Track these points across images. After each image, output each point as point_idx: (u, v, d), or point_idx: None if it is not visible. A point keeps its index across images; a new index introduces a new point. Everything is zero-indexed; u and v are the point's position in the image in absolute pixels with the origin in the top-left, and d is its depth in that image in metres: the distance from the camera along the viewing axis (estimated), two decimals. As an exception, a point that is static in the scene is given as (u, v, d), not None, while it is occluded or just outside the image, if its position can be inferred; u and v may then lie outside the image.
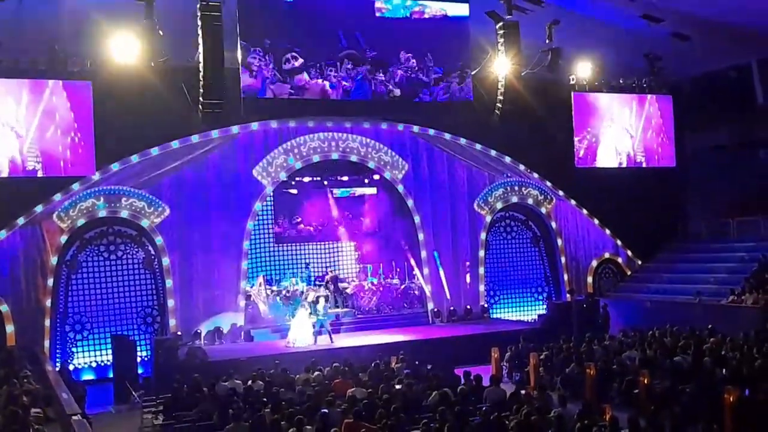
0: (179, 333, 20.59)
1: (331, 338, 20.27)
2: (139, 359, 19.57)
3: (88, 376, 20.43)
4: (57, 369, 18.38)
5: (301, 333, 20.05)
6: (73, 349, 20.81)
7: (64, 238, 20.35)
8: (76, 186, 20.45)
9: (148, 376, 18.95)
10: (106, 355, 20.42)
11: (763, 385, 12.05)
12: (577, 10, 23.67)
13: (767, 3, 21.43)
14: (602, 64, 26.08)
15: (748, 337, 16.40)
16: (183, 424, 12.59)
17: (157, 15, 19.88)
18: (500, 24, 23.51)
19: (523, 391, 12.86)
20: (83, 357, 20.87)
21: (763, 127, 25.96)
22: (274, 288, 23.05)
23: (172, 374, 16.53)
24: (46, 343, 19.88)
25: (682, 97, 27.69)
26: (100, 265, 21.39)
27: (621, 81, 27.23)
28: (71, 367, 19.89)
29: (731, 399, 11.25)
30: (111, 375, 19.27)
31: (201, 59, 19.98)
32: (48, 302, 20.05)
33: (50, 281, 20.12)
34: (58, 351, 20.45)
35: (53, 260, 20.17)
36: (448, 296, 24.23)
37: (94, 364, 20.83)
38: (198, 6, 20.11)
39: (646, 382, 13.23)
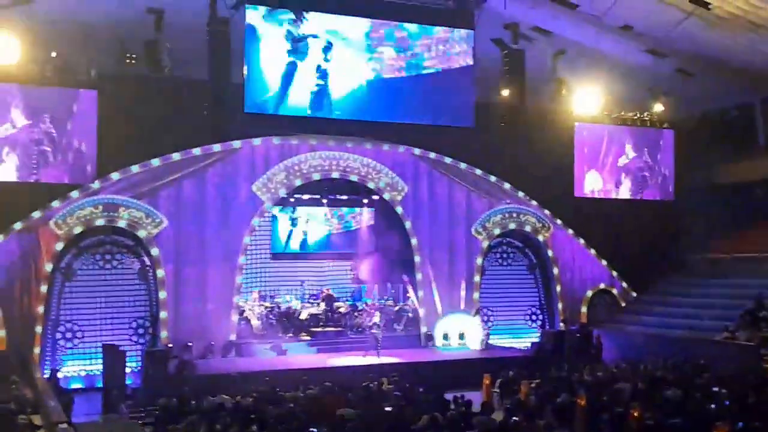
0: (170, 345, 20.47)
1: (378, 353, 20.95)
2: (129, 370, 19.47)
3: (77, 385, 20.23)
4: (47, 376, 18.31)
5: None
6: (64, 357, 20.71)
7: (60, 246, 20.30)
8: (75, 194, 20.45)
9: (137, 388, 18.87)
10: (97, 364, 20.30)
11: (754, 423, 11.99)
12: (582, 42, 23.87)
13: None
14: (606, 96, 26.24)
15: (741, 373, 16.36)
16: (170, 437, 12.49)
17: (166, 28, 20.10)
18: (505, 52, 23.70)
19: (513, 419, 12.79)
20: (73, 365, 20.74)
21: (763, 166, 26.07)
22: (268, 304, 23.01)
23: (161, 387, 16.49)
24: (36, 350, 19.77)
25: (684, 132, 27.78)
26: (95, 273, 21.30)
27: (623, 113, 27.34)
28: (60, 375, 19.76)
29: (721, 435, 11.19)
30: (100, 385, 19.20)
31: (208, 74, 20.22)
32: (41, 309, 19.95)
33: (44, 288, 20.04)
34: (47, 358, 20.35)
35: (48, 267, 20.11)
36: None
37: (83, 373, 20.69)
38: (207, 21, 20.42)
39: (636, 414, 13.15)
